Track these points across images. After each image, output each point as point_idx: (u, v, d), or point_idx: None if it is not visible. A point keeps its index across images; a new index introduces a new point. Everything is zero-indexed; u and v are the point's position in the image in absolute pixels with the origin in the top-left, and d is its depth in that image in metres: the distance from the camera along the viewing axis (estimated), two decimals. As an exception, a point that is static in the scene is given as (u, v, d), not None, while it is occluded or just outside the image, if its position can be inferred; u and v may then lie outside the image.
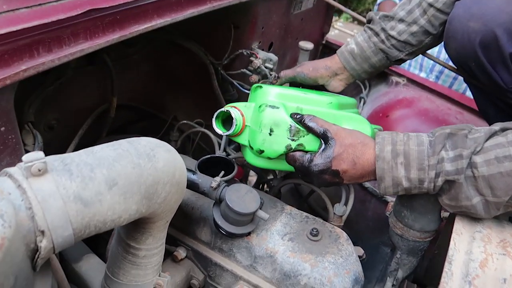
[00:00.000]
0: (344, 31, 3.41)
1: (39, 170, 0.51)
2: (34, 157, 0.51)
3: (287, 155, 0.87)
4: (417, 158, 0.77)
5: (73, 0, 0.73)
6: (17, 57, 0.65)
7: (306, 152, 0.87)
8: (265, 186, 1.35)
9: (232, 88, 1.37)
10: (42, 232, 0.50)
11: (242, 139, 0.91)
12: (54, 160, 0.55)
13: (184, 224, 0.94)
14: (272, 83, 1.18)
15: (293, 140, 0.86)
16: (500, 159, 0.69)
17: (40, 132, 0.98)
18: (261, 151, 0.87)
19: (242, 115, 0.90)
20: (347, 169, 0.81)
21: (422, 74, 1.99)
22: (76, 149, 1.00)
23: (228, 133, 0.89)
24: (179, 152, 1.29)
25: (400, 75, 1.77)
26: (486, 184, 0.71)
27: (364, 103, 1.73)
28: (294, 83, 1.19)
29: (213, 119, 0.91)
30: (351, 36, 3.66)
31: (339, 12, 4.52)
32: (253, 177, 1.88)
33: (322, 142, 0.85)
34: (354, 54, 1.12)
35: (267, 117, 0.85)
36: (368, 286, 0.90)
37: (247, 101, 1.48)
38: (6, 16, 0.63)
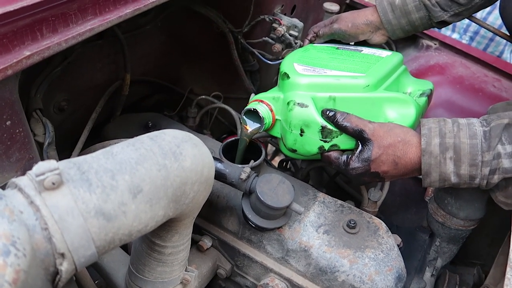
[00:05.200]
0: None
1: (54, 184, 0.44)
2: (46, 167, 0.44)
3: (322, 155, 0.82)
4: (469, 153, 0.68)
5: (78, -32, 0.62)
6: (18, 40, 0.56)
7: (342, 151, 0.80)
8: (289, 163, 1.28)
9: (252, 58, 1.26)
10: (62, 255, 0.44)
11: (275, 132, 0.86)
12: (69, 168, 0.48)
13: (209, 213, 0.88)
14: (311, 41, 1.07)
15: (325, 141, 0.79)
16: None
17: (49, 115, 0.91)
18: (293, 150, 0.83)
19: (271, 110, 0.83)
20: (387, 170, 0.74)
21: (455, 35, 1.84)
22: (91, 133, 0.93)
23: (257, 129, 0.84)
24: (197, 129, 1.23)
25: (431, 38, 1.62)
26: None
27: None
28: (331, 40, 1.09)
29: (242, 115, 0.85)
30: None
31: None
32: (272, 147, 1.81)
33: (359, 142, 0.77)
34: (394, 6, 0.99)
35: (296, 117, 0.79)
36: (407, 278, 0.84)
37: (268, 71, 1.39)
38: (2, -7, 0.53)
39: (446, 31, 1.85)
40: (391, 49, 1.64)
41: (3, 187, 0.48)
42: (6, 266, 0.37)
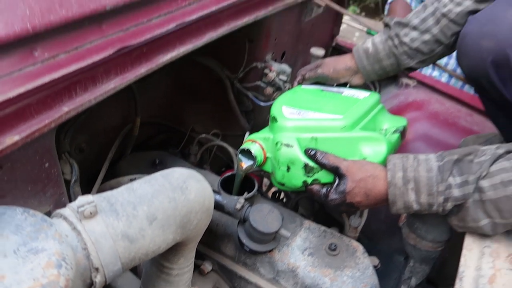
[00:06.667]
0: (351, 25, 3.40)
1: (91, 213, 0.57)
2: (85, 201, 0.57)
3: (306, 188, 0.95)
4: (426, 184, 0.81)
5: (104, 40, 0.78)
6: (58, 99, 0.70)
7: (323, 184, 0.93)
8: (281, 194, 1.41)
9: (247, 100, 1.42)
10: (97, 269, 0.57)
11: (267, 167, 0.99)
12: (101, 201, 0.61)
13: (210, 240, 1.00)
14: (299, 83, 1.22)
15: (308, 176, 0.92)
16: (505, 183, 0.74)
17: (71, 155, 1.04)
18: (282, 184, 0.95)
19: (263, 149, 0.96)
20: (360, 201, 0.87)
21: (435, 73, 2.00)
22: (107, 171, 1.06)
23: (250, 166, 0.97)
24: (198, 164, 1.36)
25: (410, 77, 1.79)
26: (494, 207, 0.75)
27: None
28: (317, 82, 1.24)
29: (237, 154, 0.98)
30: (358, 30, 3.64)
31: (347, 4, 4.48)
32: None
33: (336, 177, 0.91)
34: (368, 54, 1.14)
35: (283, 156, 0.92)
36: (384, 295, 0.96)
37: (261, 111, 1.55)
38: (48, 64, 0.68)
39: (427, 70, 2.02)
40: (375, 87, 1.81)
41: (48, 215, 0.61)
42: (60, 276, 0.49)
